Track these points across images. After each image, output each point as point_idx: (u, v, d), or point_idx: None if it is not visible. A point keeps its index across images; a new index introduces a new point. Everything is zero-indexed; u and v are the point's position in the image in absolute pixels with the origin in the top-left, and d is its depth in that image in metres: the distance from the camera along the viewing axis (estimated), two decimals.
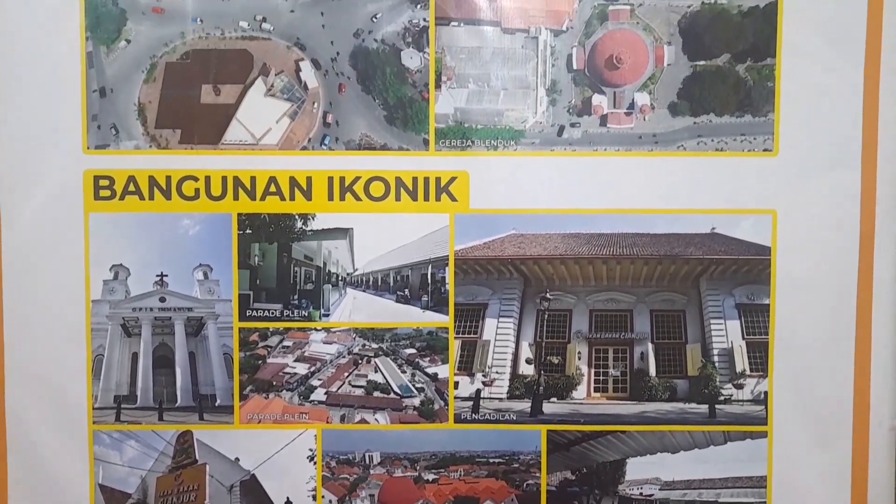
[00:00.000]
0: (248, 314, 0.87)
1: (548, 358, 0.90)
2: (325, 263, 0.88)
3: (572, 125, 0.85)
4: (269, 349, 0.88)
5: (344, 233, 0.86)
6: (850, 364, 0.85)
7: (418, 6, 0.84)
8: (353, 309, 0.89)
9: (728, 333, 0.89)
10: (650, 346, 0.91)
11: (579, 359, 0.91)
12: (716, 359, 0.89)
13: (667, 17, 0.84)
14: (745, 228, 0.85)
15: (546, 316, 0.91)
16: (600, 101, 0.85)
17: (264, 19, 0.85)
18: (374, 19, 0.84)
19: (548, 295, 0.90)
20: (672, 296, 0.91)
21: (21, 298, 0.85)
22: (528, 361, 0.90)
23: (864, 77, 0.83)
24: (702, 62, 0.85)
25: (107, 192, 0.85)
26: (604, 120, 0.85)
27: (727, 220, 0.85)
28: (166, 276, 0.88)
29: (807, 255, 0.85)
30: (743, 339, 0.89)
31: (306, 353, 0.89)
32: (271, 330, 0.88)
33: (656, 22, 0.84)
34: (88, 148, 0.85)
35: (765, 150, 0.84)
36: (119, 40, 0.85)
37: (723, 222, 0.85)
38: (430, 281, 0.87)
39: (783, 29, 0.83)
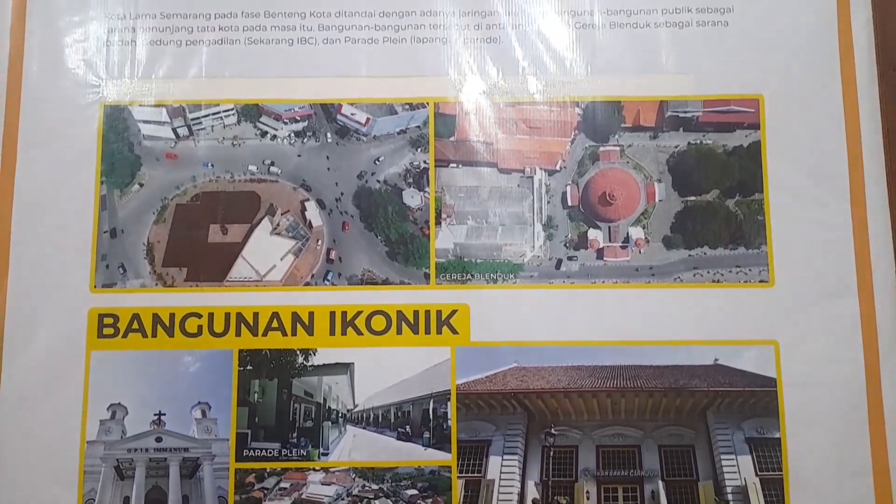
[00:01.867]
0: (245, 454, 0.85)
1: (555, 498, 0.87)
2: (325, 399, 0.87)
3: (569, 259, 0.87)
4: (266, 491, 0.85)
5: (345, 368, 0.86)
6: (871, 502, 0.82)
7: (418, 150, 0.88)
8: (353, 447, 0.86)
9: (741, 470, 0.86)
10: (661, 483, 0.87)
11: (588, 499, 0.87)
12: (730, 497, 0.85)
13: (655, 156, 0.89)
14: (749, 359, 0.85)
15: (552, 453, 0.88)
16: (596, 236, 0.88)
17: (272, 163, 0.89)
18: (376, 162, 0.89)
19: (553, 430, 0.88)
20: (680, 430, 0.89)
21: (15, 438, 0.83)
22: (534, 503, 0.87)
23: (851, 208, 0.86)
24: (692, 198, 0.88)
25: (110, 330, 0.86)
26: (600, 253, 0.87)
27: (729, 351, 0.85)
28: (164, 414, 0.87)
29: (813, 386, 0.84)
30: (756, 475, 0.85)
31: (304, 496, 0.86)
32: (268, 471, 0.85)
33: (645, 161, 0.89)
34: (95, 287, 0.86)
35: (761, 281, 0.86)
36: (133, 184, 0.89)
37: (725, 353, 0.85)
38: (431, 416, 0.86)
39: (768, 166, 0.87)
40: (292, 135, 0.89)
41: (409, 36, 0.90)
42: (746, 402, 0.86)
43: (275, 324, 0.86)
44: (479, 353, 0.85)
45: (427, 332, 0.85)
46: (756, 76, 0.88)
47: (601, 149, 0.89)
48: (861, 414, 0.83)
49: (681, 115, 0.88)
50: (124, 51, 0.90)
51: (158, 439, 0.87)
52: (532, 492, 0.87)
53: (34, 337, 0.85)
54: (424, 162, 0.88)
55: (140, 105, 0.89)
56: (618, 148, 0.89)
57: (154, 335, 0.86)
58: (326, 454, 0.86)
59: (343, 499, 0.86)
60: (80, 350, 0.85)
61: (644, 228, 0.87)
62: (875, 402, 0.83)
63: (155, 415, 0.87)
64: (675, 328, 0.85)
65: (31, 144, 0.87)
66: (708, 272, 0.86)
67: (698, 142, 0.88)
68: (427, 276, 0.86)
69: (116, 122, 0.89)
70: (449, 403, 0.85)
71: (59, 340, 0.85)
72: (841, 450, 0.83)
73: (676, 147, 0.88)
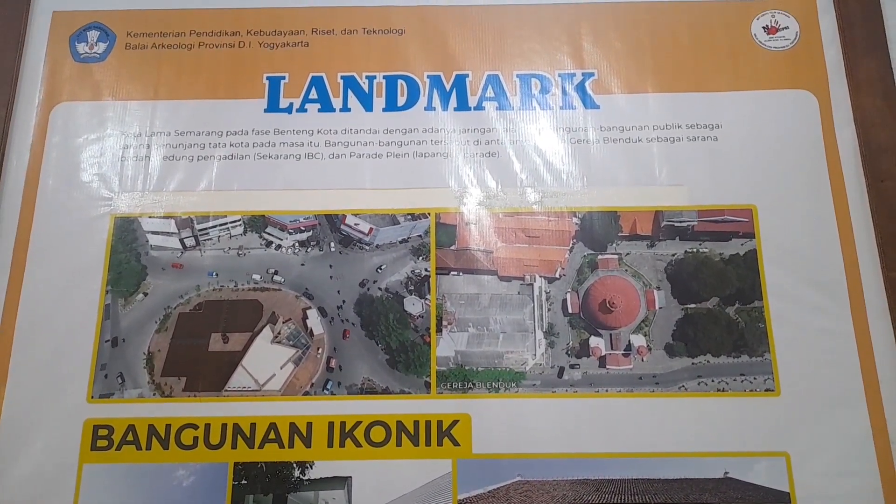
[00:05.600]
0: None
1: None
2: None
3: (572, 367, 0.86)
4: None
5: (342, 482, 0.83)
6: None
7: (420, 258, 0.90)
8: None
9: None
10: None
11: None
12: None
13: (653, 264, 0.90)
14: (759, 472, 0.82)
15: None
16: (597, 343, 0.87)
17: (276, 272, 0.90)
18: (378, 270, 0.90)
19: None
20: None
21: None
22: None
23: (852, 314, 0.86)
24: (692, 305, 0.88)
25: (104, 442, 0.84)
26: (602, 361, 0.87)
27: (739, 463, 0.82)
28: None
29: (828, 500, 0.80)
30: None
31: None
32: None
33: (644, 269, 0.90)
34: (93, 397, 0.85)
35: (766, 389, 0.84)
36: (137, 293, 0.90)
37: (735, 465, 0.82)
38: None
39: (765, 274, 0.88)
40: (296, 244, 0.91)
41: (412, 151, 0.93)
42: None
43: (272, 435, 0.84)
44: (482, 466, 0.83)
45: (427, 443, 0.83)
46: (747, 187, 0.91)
47: (600, 257, 0.90)
48: None
49: (676, 224, 0.90)
50: (138, 166, 0.93)
51: None
52: None
53: (27, 449, 0.83)
54: (426, 270, 0.89)
55: (150, 217, 0.92)
56: (616, 256, 0.90)
57: (148, 447, 0.84)
58: None
59: None
60: (72, 463, 0.83)
61: (646, 336, 0.87)
62: None
63: None
64: (682, 439, 0.83)
65: (41, 254, 0.89)
66: (712, 380, 0.85)
67: (695, 250, 0.89)
68: (428, 385, 0.85)
69: (126, 233, 0.91)
70: None
71: (53, 453, 0.83)
72: None
73: (674, 255, 0.90)
